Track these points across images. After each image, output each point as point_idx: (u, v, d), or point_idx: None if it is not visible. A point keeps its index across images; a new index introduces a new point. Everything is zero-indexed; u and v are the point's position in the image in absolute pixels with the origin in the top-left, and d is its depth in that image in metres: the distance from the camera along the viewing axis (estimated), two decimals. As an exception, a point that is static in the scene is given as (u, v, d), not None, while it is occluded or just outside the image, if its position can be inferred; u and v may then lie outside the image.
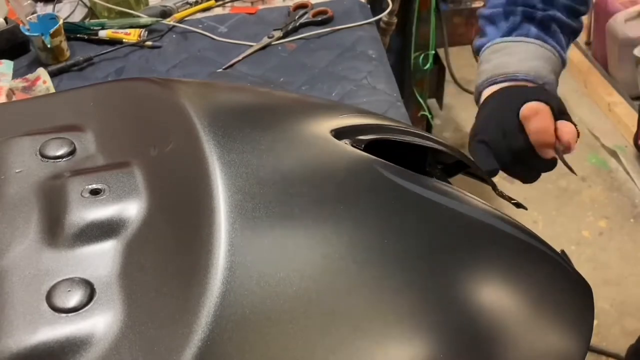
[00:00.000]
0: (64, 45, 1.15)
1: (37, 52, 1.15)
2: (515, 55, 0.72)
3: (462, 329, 0.40)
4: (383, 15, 1.31)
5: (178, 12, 1.28)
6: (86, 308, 0.34)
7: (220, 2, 1.32)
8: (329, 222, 0.39)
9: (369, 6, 1.30)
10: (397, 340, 0.37)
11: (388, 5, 1.30)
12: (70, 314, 0.34)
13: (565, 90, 2.36)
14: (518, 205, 0.65)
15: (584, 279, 0.51)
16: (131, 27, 1.21)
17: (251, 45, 1.18)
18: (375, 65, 1.12)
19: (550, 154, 0.68)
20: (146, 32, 1.20)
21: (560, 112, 0.68)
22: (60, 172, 0.42)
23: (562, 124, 0.67)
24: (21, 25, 1.15)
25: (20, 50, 1.18)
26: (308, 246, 0.38)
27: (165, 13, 1.27)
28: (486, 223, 0.47)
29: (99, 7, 1.26)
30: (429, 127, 2.00)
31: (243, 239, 0.35)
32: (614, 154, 2.16)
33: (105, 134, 0.45)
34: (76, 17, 1.28)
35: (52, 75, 1.10)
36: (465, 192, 0.49)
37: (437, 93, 2.09)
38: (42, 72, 1.08)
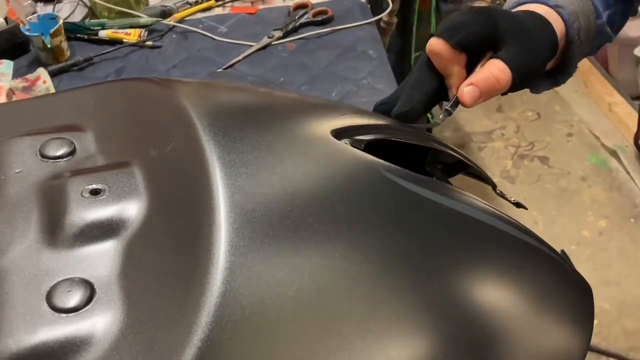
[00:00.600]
0: (64, 45, 1.15)
1: (37, 52, 1.15)
2: None
3: (462, 329, 0.40)
4: (383, 15, 1.31)
5: (178, 12, 1.28)
6: (86, 308, 0.34)
7: (220, 2, 1.32)
8: (329, 222, 0.39)
9: (369, 6, 1.30)
10: (398, 340, 0.37)
11: (388, 5, 1.30)
12: (70, 314, 0.34)
13: (565, 90, 2.36)
14: (518, 205, 0.65)
15: (584, 279, 0.51)
16: (131, 27, 1.21)
17: (251, 45, 1.18)
18: (375, 65, 1.12)
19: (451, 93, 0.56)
20: (146, 32, 1.20)
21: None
22: (60, 172, 0.42)
23: (485, 68, 0.53)
24: (21, 25, 1.15)
25: (20, 50, 1.18)
26: (308, 246, 0.37)
27: (165, 13, 1.27)
28: (486, 223, 0.47)
29: (99, 7, 1.26)
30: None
31: (243, 239, 0.35)
32: (614, 153, 2.16)
33: (105, 134, 0.45)
34: (76, 17, 1.29)
35: (52, 75, 1.10)
36: (465, 192, 0.49)
37: (437, 93, 2.09)
38: (42, 72, 1.08)
